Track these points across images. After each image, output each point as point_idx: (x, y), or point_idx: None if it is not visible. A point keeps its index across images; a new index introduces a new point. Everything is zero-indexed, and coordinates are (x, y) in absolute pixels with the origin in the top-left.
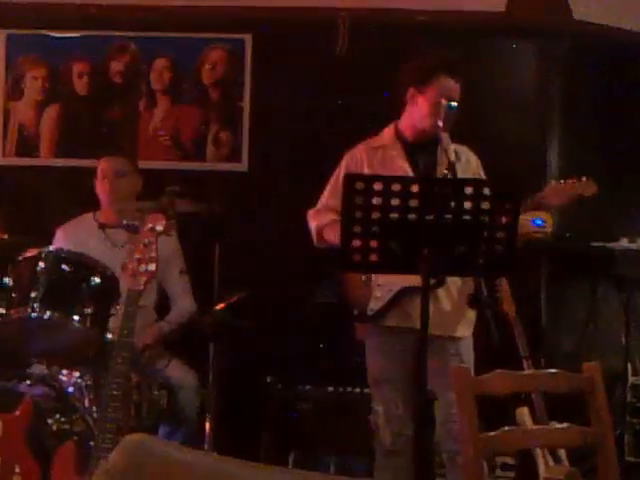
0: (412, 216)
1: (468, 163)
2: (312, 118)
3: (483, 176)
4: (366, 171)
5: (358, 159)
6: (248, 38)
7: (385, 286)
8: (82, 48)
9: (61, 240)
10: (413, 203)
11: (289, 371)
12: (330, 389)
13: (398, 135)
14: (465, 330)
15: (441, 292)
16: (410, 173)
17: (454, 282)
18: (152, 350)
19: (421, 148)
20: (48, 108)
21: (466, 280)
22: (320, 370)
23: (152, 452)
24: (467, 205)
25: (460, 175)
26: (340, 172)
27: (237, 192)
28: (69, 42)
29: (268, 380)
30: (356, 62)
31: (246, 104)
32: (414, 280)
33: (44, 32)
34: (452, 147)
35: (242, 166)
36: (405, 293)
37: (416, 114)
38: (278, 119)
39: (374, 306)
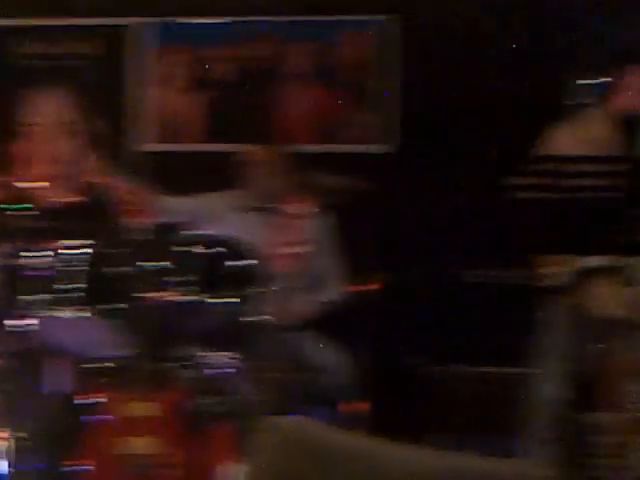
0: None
1: None
2: (456, 99)
3: None
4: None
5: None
6: (390, 20)
7: (567, 264)
8: (227, 34)
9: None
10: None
11: (436, 353)
12: (476, 370)
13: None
14: None
15: None
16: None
17: None
18: (300, 331)
19: None
20: (195, 95)
21: None
22: (466, 351)
23: (305, 433)
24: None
25: None
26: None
27: (381, 174)
28: (214, 29)
29: (415, 361)
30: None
31: (390, 86)
32: (597, 260)
33: (190, 20)
34: None
35: (387, 148)
36: (587, 274)
37: None
38: (422, 100)
39: (556, 281)
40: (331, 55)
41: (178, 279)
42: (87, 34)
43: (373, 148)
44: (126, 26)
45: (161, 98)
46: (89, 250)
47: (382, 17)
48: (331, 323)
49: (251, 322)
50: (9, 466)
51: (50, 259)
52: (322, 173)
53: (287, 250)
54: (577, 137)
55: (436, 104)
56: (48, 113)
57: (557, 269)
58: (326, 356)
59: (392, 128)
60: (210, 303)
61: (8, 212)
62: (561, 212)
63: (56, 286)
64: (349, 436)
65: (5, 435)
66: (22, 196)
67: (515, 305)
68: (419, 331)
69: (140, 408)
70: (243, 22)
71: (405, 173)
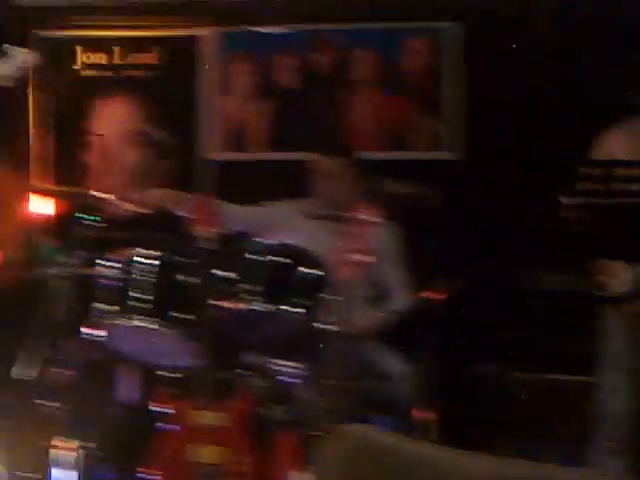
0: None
1: None
2: (521, 106)
3: None
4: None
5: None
6: (453, 27)
7: (627, 269)
8: (288, 42)
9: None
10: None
11: (503, 360)
12: (544, 377)
13: None
14: None
15: None
16: None
17: None
18: (366, 340)
19: None
20: (257, 103)
21: None
22: (533, 358)
23: (371, 442)
24: None
25: None
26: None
27: (445, 181)
28: (276, 37)
29: (481, 369)
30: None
31: (456, 93)
32: None
33: (251, 28)
34: None
35: (450, 155)
36: None
37: None
38: (486, 107)
39: (618, 288)
40: (396, 62)
41: (245, 288)
42: (152, 44)
43: (440, 155)
44: (191, 36)
45: (227, 107)
46: (158, 260)
47: (446, 24)
48: (397, 331)
49: (318, 331)
50: (78, 477)
51: (121, 268)
52: (389, 180)
53: (353, 258)
54: (630, 141)
55: (502, 110)
56: (114, 124)
57: (616, 277)
58: (392, 364)
59: (459, 135)
60: (277, 312)
61: (83, 222)
62: (616, 218)
63: (126, 295)
64: (415, 444)
65: (74, 446)
66: (94, 206)
67: (582, 312)
68: (485, 339)
69: (208, 417)
70: (308, 30)
71: (472, 180)
